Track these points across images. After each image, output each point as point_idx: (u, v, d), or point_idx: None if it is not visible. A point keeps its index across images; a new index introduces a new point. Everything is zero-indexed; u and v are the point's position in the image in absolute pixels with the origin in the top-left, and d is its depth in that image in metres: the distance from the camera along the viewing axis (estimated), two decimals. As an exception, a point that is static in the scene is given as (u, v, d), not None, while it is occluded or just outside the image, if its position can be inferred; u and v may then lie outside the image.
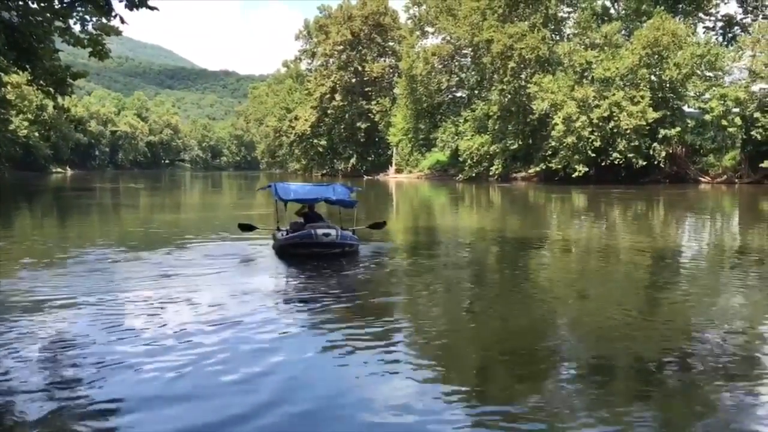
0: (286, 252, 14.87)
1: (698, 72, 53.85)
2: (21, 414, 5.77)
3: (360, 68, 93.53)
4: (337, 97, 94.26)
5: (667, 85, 53.97)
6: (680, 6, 59.23)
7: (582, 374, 6.80)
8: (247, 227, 17.41)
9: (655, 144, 53.03)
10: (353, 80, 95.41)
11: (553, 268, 14.31)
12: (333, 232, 14.55)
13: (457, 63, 77.43)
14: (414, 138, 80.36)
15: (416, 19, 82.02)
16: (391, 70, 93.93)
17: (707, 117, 52.70)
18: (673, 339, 8.01)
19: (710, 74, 54.52)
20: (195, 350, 7.51)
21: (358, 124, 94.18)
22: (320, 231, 14.44)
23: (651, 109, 51.94)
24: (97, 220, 27.77)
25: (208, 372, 6.79)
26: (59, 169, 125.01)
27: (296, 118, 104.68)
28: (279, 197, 15.87)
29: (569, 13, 65.29)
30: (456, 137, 70.51)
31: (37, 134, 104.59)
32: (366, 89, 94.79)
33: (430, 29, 79.27)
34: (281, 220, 16.75)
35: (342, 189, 16.52)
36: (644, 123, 51.78)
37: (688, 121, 55.89)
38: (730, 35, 61.35)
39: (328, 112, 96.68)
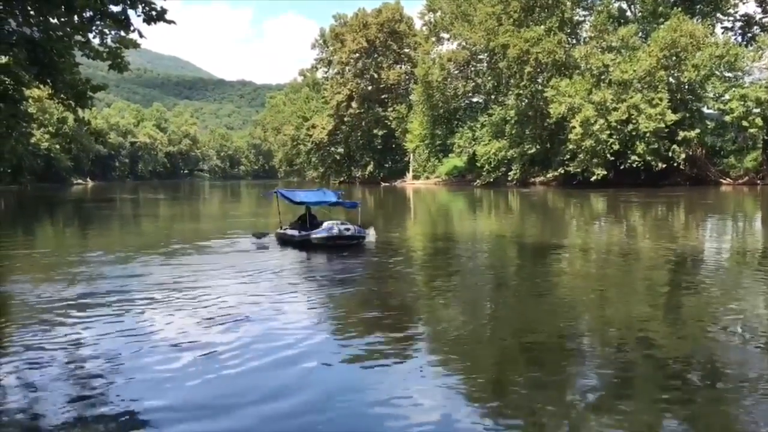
0: (314, 245, 17.07)
1: (717, 73, 53.31)
2: (42, 415, 5.87)
3: (376, 75, 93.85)
4: (354, 104, 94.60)
5: (686, 86, 53.50)
6: (698, 6, 58.72)
7: (605, 379, 6.74)
8: (261, 235, 19.38)
9: (674, 146, 52.52)
10: (369, 88, 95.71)
11: (574, 272, 14.20)
12: (351, 227, 17.41)
13: (473, 68, 77.37)
14: (431, 144, 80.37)
15: (431, 26, 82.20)
16: (407, 77, 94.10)
17: (727, 118, 52.13)
18: (696, 342, 7.92)
19: (730, 75, 53.95)
20: (215, 349, 7.65)
21: (375, 131, 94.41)
22: (342, 227, 17.24)
23: (670, 111, 51.48)
24: (118, 229, 28.04)
25: (228, 372, 6.88)
26: (80, 181, 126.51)
27: (313, 127, 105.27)
28: (290, 201, 19.44)
29: (585, 16, 65.02)
30: (473, 142, 70.43)
31: (58, 147, 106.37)
32: (382, 96, 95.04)
33: (445, 35, 79.43)
34: (284, 221, 19.59)
35: (331, 192, 20.48)
36: (663, 125, 51.33)
37: (708, 122, 55.37)
38: (749, 35, 60.63)
39: (345, 119, 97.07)
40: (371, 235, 18.20)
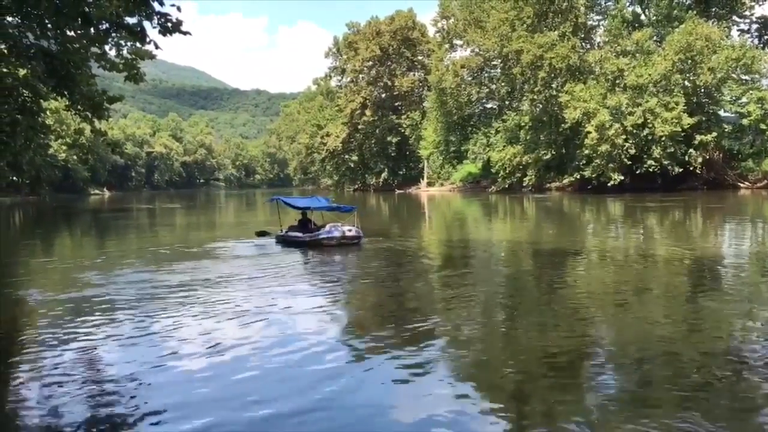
0: (322, 245, 19.07)
1: (734, 76, 52.93)
2: (62, 416, 5.95)
3: (389, 83, 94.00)
4: (368, 112, 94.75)
5: (702, 90, 53.11)
6: (713, 9, 58.33)
7: (624, 386, 6.66)
8: (263, 233, 22.02)
9: (691, 150, 52.13)
10: (383, 95, 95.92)
11: (592, 278, 14.09)
12: (354, 229, 19.68)
13: (486, 74, 77.33)
14: (445, 150, 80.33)
15: (445, 33, 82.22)
16: (420, 84, 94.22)
17: (745, 121, 51.70)
18: (716, 348, 7.80)
19: (746, 77, 53.55)
20: (233, 351, 7.73)
21: (389, 139, 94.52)
22: (345, 228, 19.51)
23: (686, 114, 51.11)
24: (135, 238, 28.16)
25: (244, 373, 6.89)
26: (97, 191, 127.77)
27: (327, 135, 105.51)
28: (291, 206, 22.02)
29: (599, 21, 64.88)
30: (487, 148, 70.30)
31: (75, 157, 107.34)
32: (396, 104, 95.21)
33: (458, 42, 79.39)
34: (284, 224, 21.88)
35: (323, 199, 22.72)
36: (679, 129, 50.97)
37: (725, 125, 54.88)
38: (766, 37, 60.16)
39: (359, 127, 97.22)
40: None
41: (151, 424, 5.89)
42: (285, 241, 20.67)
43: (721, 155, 55.08)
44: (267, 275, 14.35)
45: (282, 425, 5.75)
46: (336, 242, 19.16)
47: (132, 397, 6.55)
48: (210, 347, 8.25)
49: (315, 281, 14.01)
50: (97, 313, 10.52)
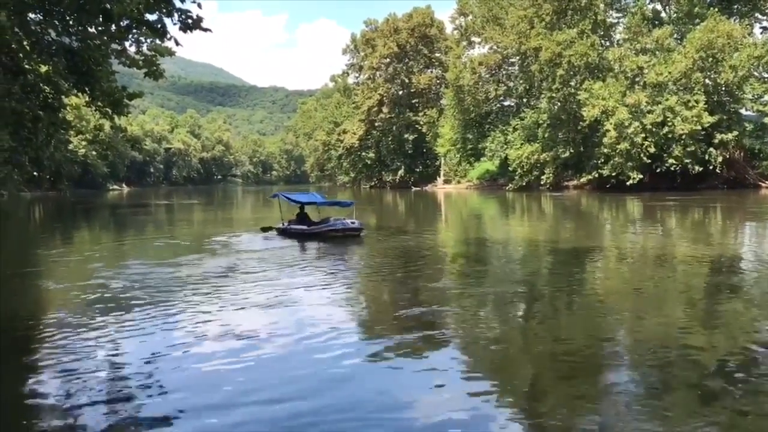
0: (326, 236, 20.55)
1: (756, 74, 52.25)
2: (80, 407, 5.93)
3: (407, 80, 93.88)
4: (385, 109, 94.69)
5: (723, 88, 52.45)
6: (735, 6, 57.58)
7: (640, 388, 6.60)
8: (267, 229, 23.16)
9: (711, 149, 51.53)
10: (400, 92, 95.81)
11: (609, 278, 13.98)
12: (355, 221, 21.18)
13: (504, 72, 76.92)
14: (462, 148, 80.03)
15: (462, 30, 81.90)
16: (438, 81, 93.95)
17: (766, 120, 50.99)
18: (734, 351, 7.70)
19: (768, 76, 52.85)
20: (248, 343, 7.74)
21: (406, 136, 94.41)
22: (348, 221, 21.05)
23: (706, 113, 50.51)
24: (153, 233, 28.37)
25: (258, 364, 6.91)
26: (116, 186, 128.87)
27: (344, 132, 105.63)
28: (294, 201, 23.83)
29: (618, 18, 64.23)
30: (505, 146, 69.91)
31: (95, 153, 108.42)
32: (413, 101, 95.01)
33: (476, 39, 79.06)
34: (285, 218, 23.25)
35: (319, 195, 25.47)
36: (699, 128, 50.40)
37: (746, 124, 54.22)
38: (789, 35, 59.26)
39: (376, 124, 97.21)
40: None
41: (164, 415, 5.93)
42: (291, 234, 21.80)
43: (741, 154, 54.39)
44: (279, 267, 14.55)
45: (296, 417, 5.76)
46: (341, 234, 20.58)
47: (146, 388, 6.61)
48: (224, 339, 8.34)
49: (328, 274, 14.03)
50: (112, 305, 10.64)
